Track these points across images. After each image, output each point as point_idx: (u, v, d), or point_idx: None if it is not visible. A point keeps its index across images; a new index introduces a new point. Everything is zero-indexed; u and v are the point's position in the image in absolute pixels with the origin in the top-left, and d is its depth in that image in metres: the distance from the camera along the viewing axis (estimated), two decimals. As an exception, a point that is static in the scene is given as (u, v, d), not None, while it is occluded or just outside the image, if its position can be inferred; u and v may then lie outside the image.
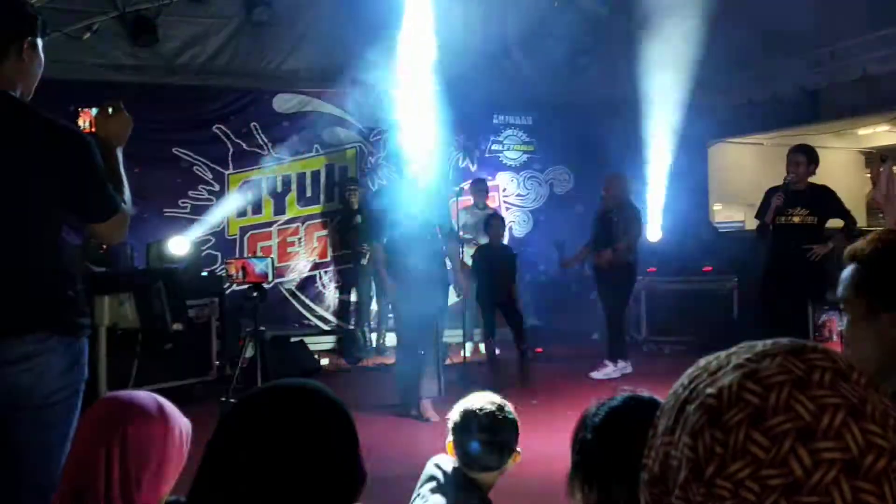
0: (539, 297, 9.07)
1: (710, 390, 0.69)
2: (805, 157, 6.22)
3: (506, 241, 7.98)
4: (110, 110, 2.50)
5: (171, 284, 3.84)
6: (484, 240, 7.60)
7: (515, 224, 9.83)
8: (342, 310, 8.93)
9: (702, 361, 0.74)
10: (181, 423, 1.71)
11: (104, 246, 5.81)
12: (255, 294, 4.56)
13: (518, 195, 9.95)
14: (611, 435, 1.45)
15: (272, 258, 5.06)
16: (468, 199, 8.53)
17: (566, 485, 1.47)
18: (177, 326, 3.66)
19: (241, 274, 4.65)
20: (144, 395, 1.71)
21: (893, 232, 1.57)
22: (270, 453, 1.18)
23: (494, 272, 7.09)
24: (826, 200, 6.22)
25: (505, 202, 9.81)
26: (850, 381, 0.67)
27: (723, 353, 0.73)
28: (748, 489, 0.63)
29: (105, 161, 2.37)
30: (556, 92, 9.35)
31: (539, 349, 8.24)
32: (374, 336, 8.49)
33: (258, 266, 4.61)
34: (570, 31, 8.92)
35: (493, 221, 7.33)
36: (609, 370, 7.17)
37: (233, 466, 1.19)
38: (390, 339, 8.05)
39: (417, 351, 5.69)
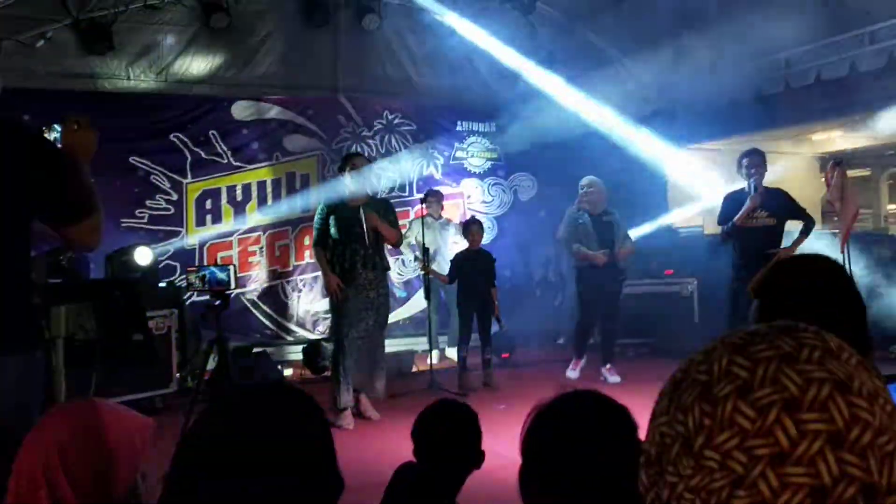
0: (504, 303, 9.08)
1: (701, 367, 0.70)
2: (761, 160, 6.42)
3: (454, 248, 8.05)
4: (76, 126, 2.47)
5: (131, 295, 3.76)
6: (444, 248, 7.62)
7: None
8: (315, 319, 8.89)
9: (700, 348, 0.75)
10: (128, 423, 1.68)
11: (64, 256, 5.71)
12: (217, 302, 4.49)
13: (483, 202, 9.98)
14: (552, 433, 1.45)
15: (234, 266, 4.97)
16: (422, 210, 8.53)
17: (519, 488, 1.46)
18: (137, 337, 3.59)
19: (201, 283, 4.58)
20: (85, 404, 1.68)
21: (775, 268, 1.68)
22: (246, 454, 1.15)
23: (475, 277, 7.11)
24: (782, 201, 6.39)
25: (469, 209, 9.82)
26: (840, 359, 0.68)
27: (717, 337, 0.74)
28: (735, 460, 0.64)
29: (73, 174, 2.34)
30: (519, 99, 9.41)
31: (505, 354, 8.26)
32: None
33: (219, 274, 4.55)
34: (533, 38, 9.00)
35: (472, 227, 7.35)
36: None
37: (206, 467, 1.15)
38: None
39: (356, 350, 5.80)
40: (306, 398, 1.29)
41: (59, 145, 2.48)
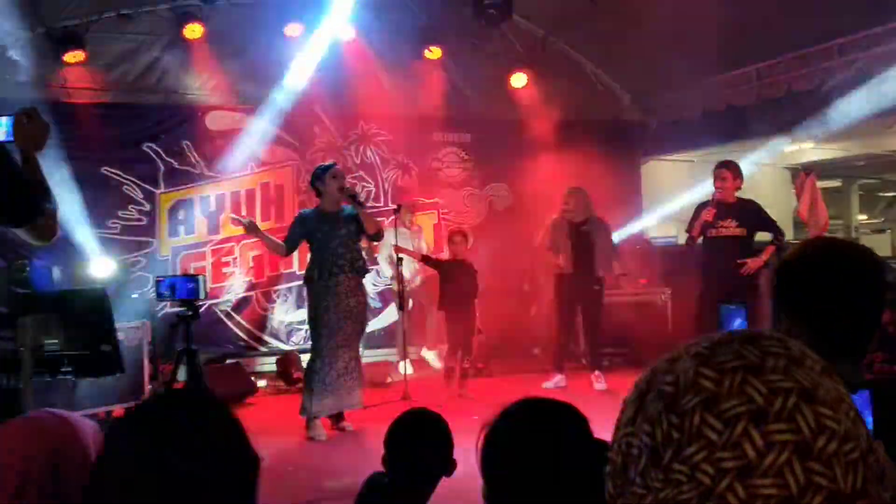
0: (481, 312, 9.07)
1: (667, 378, 0.70)
2: (730, 173, 6.56)
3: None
4: (26, 119, 2.52)
5: (99, 306, 3.72)
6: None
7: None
8: (290, 330, 8.84)
9: (663, 357, 0.75)
10: (86, 430, 1.65)
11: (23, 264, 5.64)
12: (189, 313, 4.45)
13: (458, 212, 9.97)
14: (506, 443, 1.46)
15: (204, 276, 4.92)
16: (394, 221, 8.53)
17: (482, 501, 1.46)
18: (105, 348, 3.54)
19: (170, 294, 4.54)
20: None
21: (809, 244, 1.67)
22: (158, 458, 1.15)
23: (463, 287, 7.12)
24: (753, 213, 6.54)
25: (445, 219, 9.81)
26: (804, 366, 0.68)
27: (682, 345, 0.74)
28: (703, 472, 0.64)
29: (25, 166, 2.39)
30: (493, 109, 9.45)
31: (481, 364, 8.25)
32: None
33: (188, 285, 4.51)
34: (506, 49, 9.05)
35: (456, 238, 7.35)
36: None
37: (119, 478, 1.15)
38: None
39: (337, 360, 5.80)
40: (205, 397, 1.29)
41: (11, 139, 2.52)
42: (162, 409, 1.25)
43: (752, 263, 6.41)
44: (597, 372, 7.32)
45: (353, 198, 6.00)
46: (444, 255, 7.63)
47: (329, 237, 5.87)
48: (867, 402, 1.41)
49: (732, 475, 0.63)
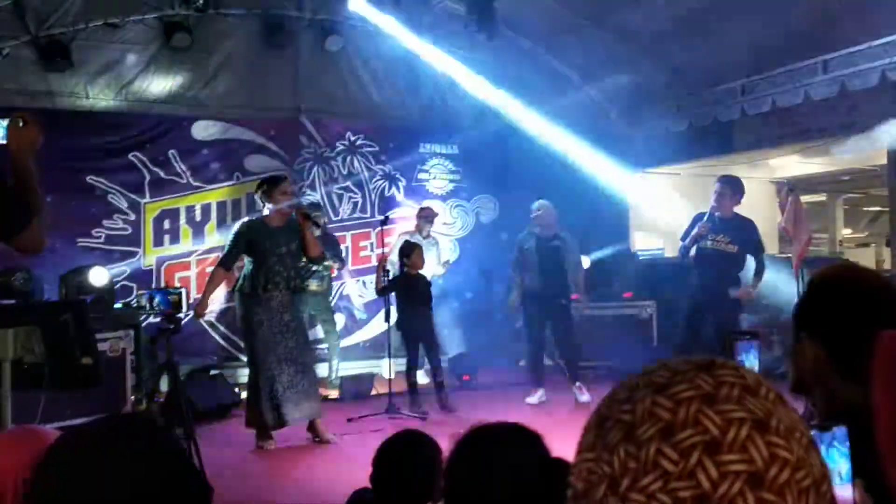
0: (466, 325, 9.08)
1: (625, 407, 0.71)
2: (729, 188, 6.62)
3: (435, 268, 8.06)
4: (21, 122, 2.52)
5: (80, 317, 3.69)
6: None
7: (444, 252, 9.84)
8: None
9: (623, 381, 0.76)
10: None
11: (18, 276, 5.60)
12: (170, 326, 4.43)
13: (445, 223, 9.99)
14: (460, 467, 1.48)
15: (186, 289, 4.90)
16: (410, 226, 8.51)
17: None
18: (86, 360, 3.51)
19: (150, 306, 4.52)
20: None
21: (833, 269, 1.73)
22: (94, 485, 1.13)
23: (416, 301, 7.09)
24: (748, 234, 6.60)
25: (431, 231, 9.81)
26: (758, 395, 0.69)
27: (640, 372, 0.75)
28: (660, 502, 0.65)
29: (18, 172, 2.39)
30: (481, 122, 9.48)
31: (466, 377, 8.24)
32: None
33: (169, 297, 4.48)
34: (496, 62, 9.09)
35: (415, 250, 7.32)
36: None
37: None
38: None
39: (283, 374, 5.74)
40: (146, 426, 1.27)
41: (4, 142, 2.52)
42: (99, 435, 1.22)
43: (742, 295, 6.55)
44: (578, 384, 7.30)
45: (306, 217, 5.89)
46: (394, 271, 7.57)
47: (269, 253, 5.77)
48: (843, 437, 1.44)
49: None
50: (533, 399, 7.30)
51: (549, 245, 7.37)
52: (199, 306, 5.92)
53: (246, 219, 6.40)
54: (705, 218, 6.55)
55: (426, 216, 8.45)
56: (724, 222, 6.57)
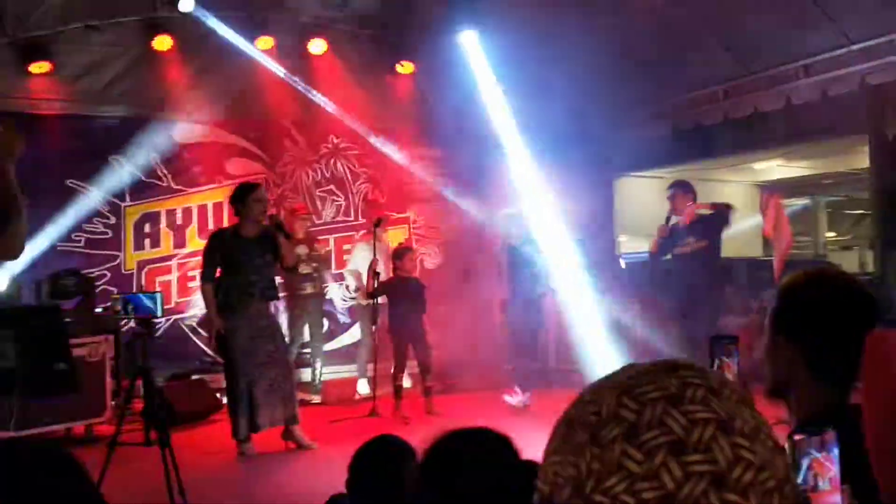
0: (451, 328, 9.05)
1: (591, 408, 0.71)
2: (681, 191, 6.85)
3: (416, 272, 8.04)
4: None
5: (54, 322, 3.64)
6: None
7: (428, 256, 9.83)
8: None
9: (590, 384, 0.76)
10: None
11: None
12: (145, 331, 4.37)
13: (429, 227, 9.96)
14: (432, 471, 1.48)
15: (162, 294, 4.83)
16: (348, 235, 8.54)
17: None
18: (60, 366, 3.46)
19: (126, 310, 4.46)
20: None
21: (807, 273, 1.76)
22: None
23: (406, 305, 7.08)
24: (711, 220, 6.76)
25: (415, 234, 9.80)
26: (722, 397, 0.70)
27: (607, 375, 0.76)
28: (624, 503, 0.65)
29: None
30: (465, 125, 9.46)
31: (450, 381, 8.21)
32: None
33: (145, 302, 4.43)
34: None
35: (405, 254, 7.31)
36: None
37: None
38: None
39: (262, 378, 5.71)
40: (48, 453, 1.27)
41: None
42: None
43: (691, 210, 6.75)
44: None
45: (279, 227, 5.86)
46: (385, 275, 7.54)
47: (243, 264, 5.73)
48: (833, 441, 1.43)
49: None
50: (512, 401, 7.29)
51: (521, 250, 7.39)
52: (214, 326, 5.83)
53: (217, 230, 6.34)
54: (665, 222, 6.79)
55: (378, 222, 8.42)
56: (688, 226, 6.73)
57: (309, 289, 7.79)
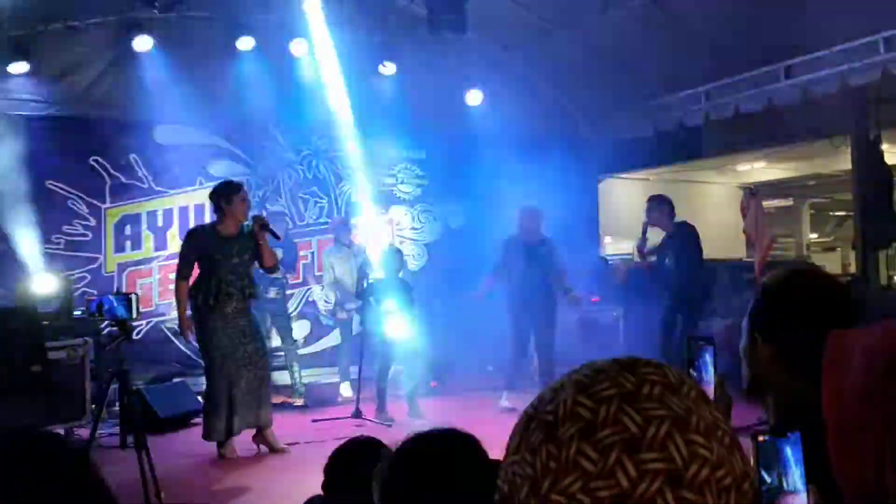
0: (434, 331, 9.02)
1: (549, 407, 0.71)
2: (655, 204, 7.04)
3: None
4: None
5: (31, 325, 3.58)
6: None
7: (411, 257, 9.78)
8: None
9: (551, 382, 0.76)
10: None
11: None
12: (121, 334, 4.32)
13: (412, 228, 9.95)
14: (403, 472, 1.49)
15: (136, 295, 4.75)
16: (329, 238, 8.50)
17: None
18: (35, 368, 3.40)
19: (99, 313, 4.40)
20: None
21: (784, 272, 1.77)
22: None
23: (391, 306, 7.05)
24: (686, 238, 6.89)
25: (399, 235, 9.78)
26: (680, 394, 0.69)
27: (568, 372, 0.75)
28: (580, 502, 0.65)
29: None
30: (448, 126, 9.46)
31: (433, 383, 8.19)
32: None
33: (118, 304, 4.36)
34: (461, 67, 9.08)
35: (396, 255, 7.29)
36: None
37: None
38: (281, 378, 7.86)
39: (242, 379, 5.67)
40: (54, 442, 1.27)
41: None
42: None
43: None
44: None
45: (264, 227, 5.77)
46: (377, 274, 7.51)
47: (221, 264, 5.66)
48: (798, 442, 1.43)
49: None
50: (506, 403, 7.27)
51: (537, 250, 7.33)
52: (182, 325, 5.78)
53: (195, 227, 6.26)
54: (640, 235, 7.04)
55: (343, 227, 8.38)
56: (664, 240, 6.98)
57: (272, 293, 7.71)
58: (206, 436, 5.67)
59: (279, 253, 6.59)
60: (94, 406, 6.40)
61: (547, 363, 7.45)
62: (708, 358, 1.91)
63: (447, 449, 1.52)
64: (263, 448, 5.85)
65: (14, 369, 3.31)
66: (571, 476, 0.65)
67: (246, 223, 5.78)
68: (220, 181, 6.21)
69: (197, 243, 5.75)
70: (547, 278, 7.33)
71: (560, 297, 7.46)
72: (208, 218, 8.67)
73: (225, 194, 5.76)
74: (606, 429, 0.66)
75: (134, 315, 4.37)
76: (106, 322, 6.61)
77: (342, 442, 2.47)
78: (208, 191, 8.59)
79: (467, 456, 1.49)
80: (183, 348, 8.44)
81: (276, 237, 5.94)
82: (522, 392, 7.32)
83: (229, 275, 5.65)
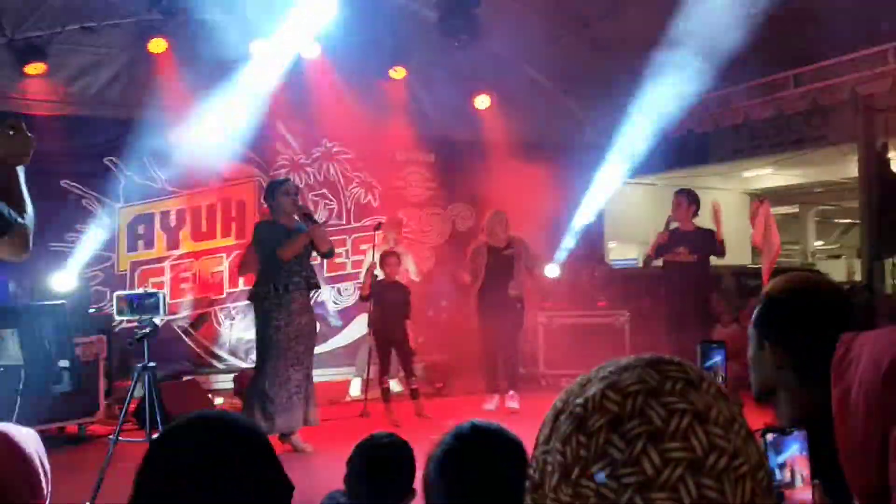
0: (441, 332, 9.10)
1: (578, 400, 0.77)
2: (685, 199, 6.88)
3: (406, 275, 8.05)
4: (10, 131, 2.46)
5: (57, 320, 3.67)
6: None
7: (419, 260, 9.83)
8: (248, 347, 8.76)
9: (577, 378, 0.82)
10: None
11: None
12: (148, 330, 4.39)
13: (421, 231, 10.00)
14: (449, 467, 1.50)
15: (164, 292, 4.87)
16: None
17: None
18: (62, 363, 3.48)
19: (128, 310, 4.48)
20: None
21: (790, 278, 1.80)
22: (194, 483, 1.20)
23: (390, 309, 7.13)
24: (705, 240, 6.85)
25: (407, 238, 9.83)
26: (700, 389, 0.75)
27: (593, 370, 0.81)
28: (608, 487, 0.70)
29: (6, 181, 2.35)
30: (456, 130, 9.52)
31: (439, 384, 8.25)
32: None
33: (148, 301, 4.44)
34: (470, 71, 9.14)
35: (389, 258, 7.36)
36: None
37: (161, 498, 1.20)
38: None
39: (288, 381, 5.75)
40: (238, 423, 1.34)
41: None
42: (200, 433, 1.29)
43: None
44: (511, 392, 7.35)
45: (306, 216, 6.00)
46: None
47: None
48: (804, 440, 1.49)
49: (633, 489, 0.70)
50: (490, 406, 7.32)
51: (503, 253, 7.40)
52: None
53: (261, 221, 6.44)
54: (666, 228, 6.84)
55: (393, 225, 8.46)
56: (683, 234, 6.84)
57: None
58: None
59: None
60: (106, 403, 6.51)
61: (509, 365, 7.48)
62: (719, 360, 1.97)
63: (498, 445, 1.55)
64: (286, 447, 5.91)
65: (42, 364, 3.39)
66: (600, 464, 0.71)
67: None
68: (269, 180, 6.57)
69: (268, 232, 5.91)
70: (510, 281, 7.37)
71: (527, 299, 7.55)
72: (220, 219, 8.80)
73: (270, 191, 6.05)
74: (633, 421, 0.72)
75: (162, 313, 4.44)
76: (119, 320, 6.71)
77: (360, 439, 2.49)
78: (220, 191, 8.81)
79: (517, 457, 1.52)
80: (194, 347, 8.53)
81: (315, 223, 6.05)
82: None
83: (294, 265, 5.81)
